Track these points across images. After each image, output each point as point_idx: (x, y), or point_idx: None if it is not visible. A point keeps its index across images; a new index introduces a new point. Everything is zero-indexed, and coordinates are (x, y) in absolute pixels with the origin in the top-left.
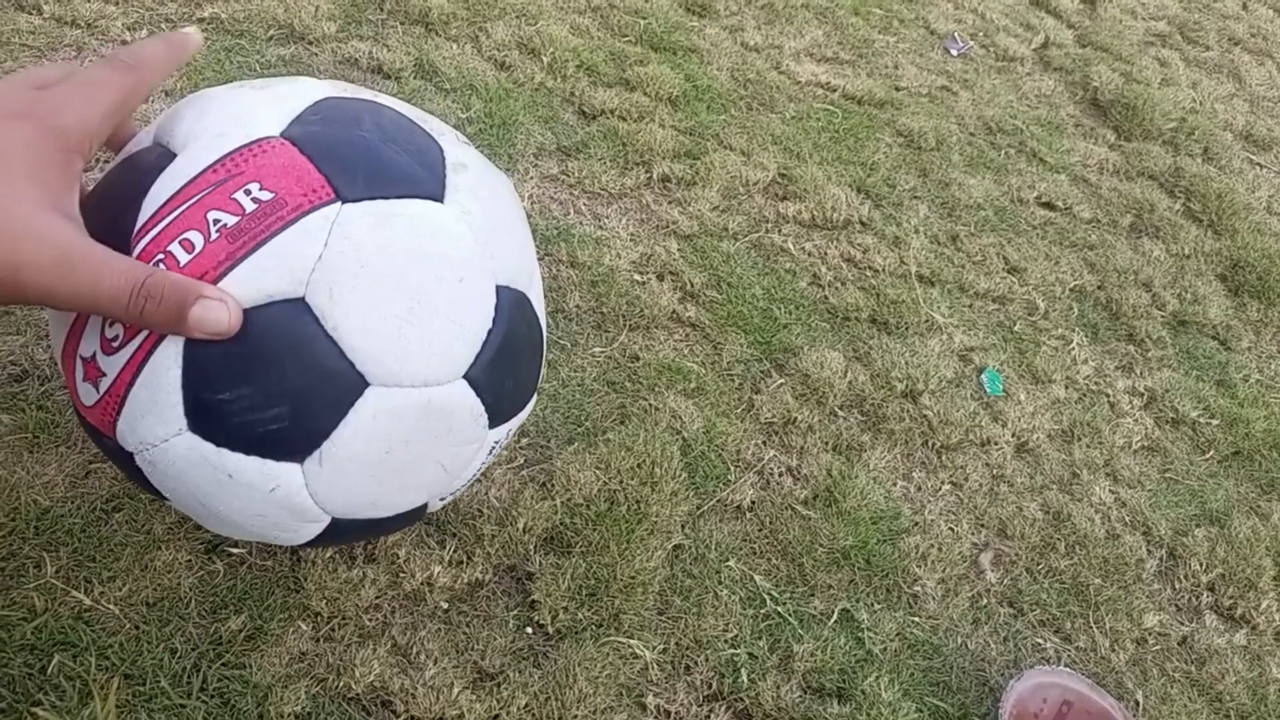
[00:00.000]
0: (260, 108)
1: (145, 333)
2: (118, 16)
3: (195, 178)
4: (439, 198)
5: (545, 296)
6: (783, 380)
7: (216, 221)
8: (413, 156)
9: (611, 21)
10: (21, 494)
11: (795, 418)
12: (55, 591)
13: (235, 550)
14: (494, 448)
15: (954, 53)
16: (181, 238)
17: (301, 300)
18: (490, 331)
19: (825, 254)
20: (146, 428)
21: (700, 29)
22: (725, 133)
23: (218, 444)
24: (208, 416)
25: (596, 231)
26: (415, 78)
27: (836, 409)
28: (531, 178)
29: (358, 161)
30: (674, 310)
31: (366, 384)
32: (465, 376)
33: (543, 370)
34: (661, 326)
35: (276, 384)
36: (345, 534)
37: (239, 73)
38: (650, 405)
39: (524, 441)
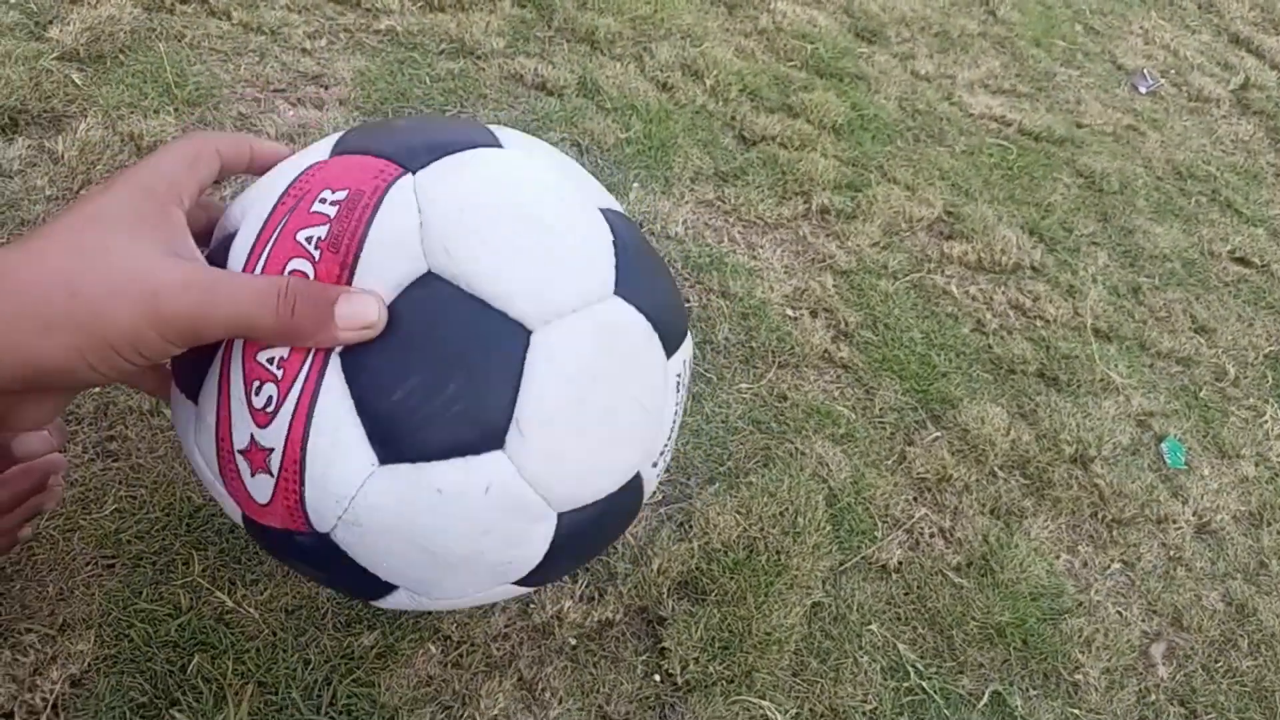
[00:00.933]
0: (302, 154)
1: (302, 377)
2: (299, 25)
3: (269, 217)
4: (498, 145)
5: (694, 327)
6: (939, 433)
7: (310, 239)
8: (458, 127)
9: (777, 45)
10: (177, 490)
11: (951, 475)
12: (200, 590)
13: None
14: (678, 384)
15: (1143, 90)
16: (289, 269)
17: (428, 273)
18: (615, 245)
19: (991, 299)
20: (337, 479)
21: (869, 55)
22: (890, 165)
23: (413, 460)
24: (392, 431)
25: (750, 262)
26: (578, 95)
27: (997, 469)
28: (687, 202)
29: (410, 139)
30: (826, 350)
31: (527, 329)
32: (617, 293)
33: (682, 301)
34: (812, 366)
35: (440, 361)
36: (575, 540)
37: (409, 85)
38: (796, 449)
39: (664, 478)
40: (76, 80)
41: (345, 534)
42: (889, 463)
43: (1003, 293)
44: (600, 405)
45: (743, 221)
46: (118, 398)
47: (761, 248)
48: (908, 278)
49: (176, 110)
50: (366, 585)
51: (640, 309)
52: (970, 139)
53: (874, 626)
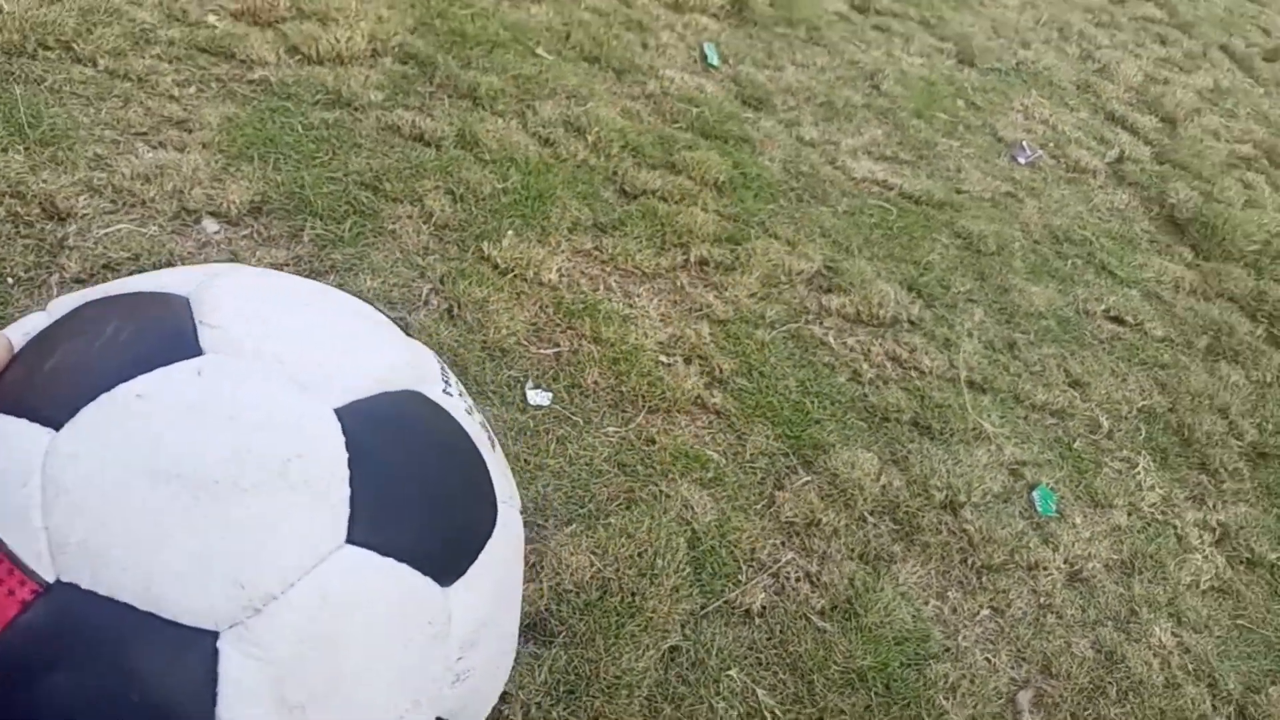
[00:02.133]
0: None
1: None
2: (169, 73)
3: None
4: (194, 353)
5: (563, 371)
6: (809, 478)
7: None
8: (145, 334)
9: (664, 108)
10: None
11: (820, 519)
12: None
13: None
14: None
15: (1022, 161)
16: None
17: (56, 583)
18: (351, 465)
19: (869, 351)
20: None
21: (755, 120)
22: (771, 221)
23: None
24: None
25: (625, 309)
26: (456, 146)
27: (866, 514)
28: (563, 250)
29: (63, 378)
30: (699, 395)
31: (211, 633)
32: (353, 540)
33: (482, 491)
34: (684, 411)
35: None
36: None
37: (279, 132)
38: (661, 492)
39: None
40: None
41: None
42: (758, 507)
43: (880, 344)
44: (335, 701)
45: (620, 271)
46: None
47: (638, 296)
48: (785, 327)
49: (27, 149)
50: None
51: (391, 550)
52: (852, 200)
53: (733, 672)
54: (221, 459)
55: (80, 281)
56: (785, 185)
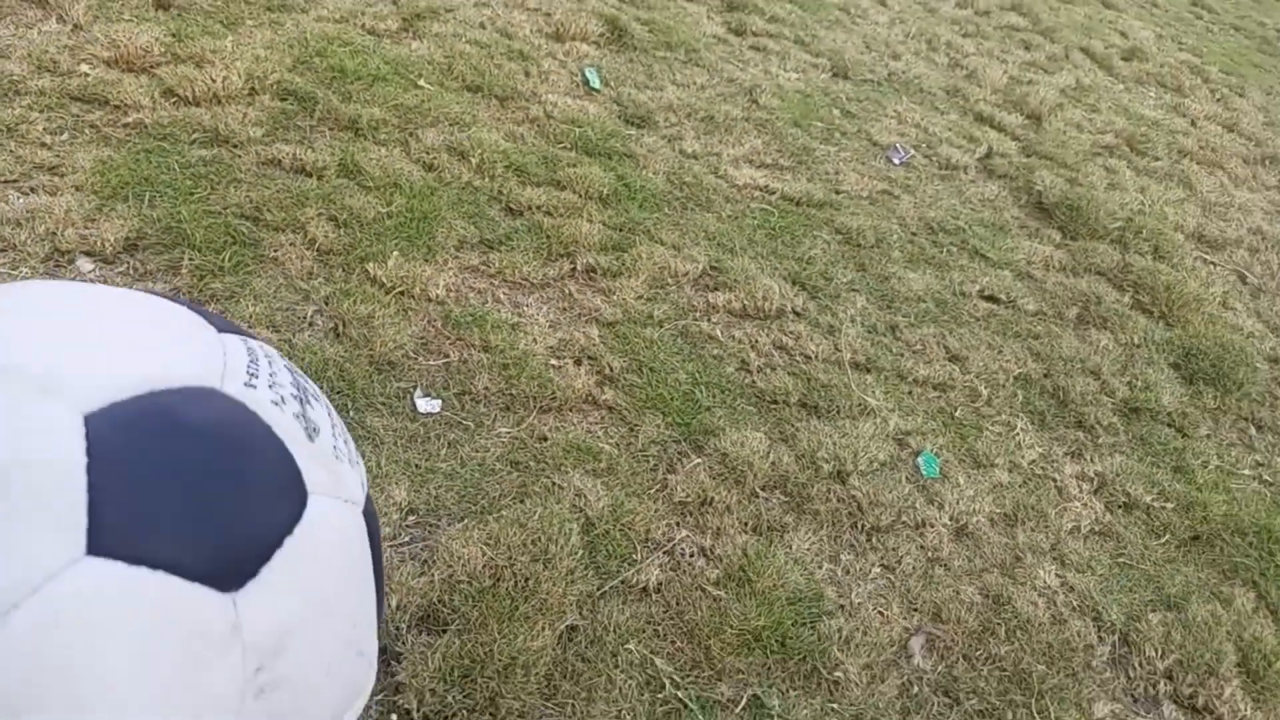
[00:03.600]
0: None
1: None
2: (40, 121)
3: None
4: None
5: (453, 379)
6: (700, 460)
7: None
8: None
9: (547, 130)
10: None
11: (712, 498)
12: None
13: None
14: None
15: (896, 161)
16: None
17: None
18: (89, 470)
19: (755, 341)
20: None
21: (638, 138)
22: (656, 229)
23: None
24: None
25: (514, 318)
26: (338, 176)
27: (757, 489)
28: (450, 267)
29: None
30: (590, 393)
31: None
32: (94, 551)
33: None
34: (575, 409)
35: None
36: None
37: (155, 171)
38: (553, 484)
39: (411, 519)
40: None
41: None
42: (650, 491)
43: (766, 335)
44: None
45: (508, 283)
46: None
47: (526, 306)
48: (673, 324)
49: None
50: None
51: (145, 559)
52: (735, 205)
53: (631, 645)
54: None
55: None
56: (669, 195)
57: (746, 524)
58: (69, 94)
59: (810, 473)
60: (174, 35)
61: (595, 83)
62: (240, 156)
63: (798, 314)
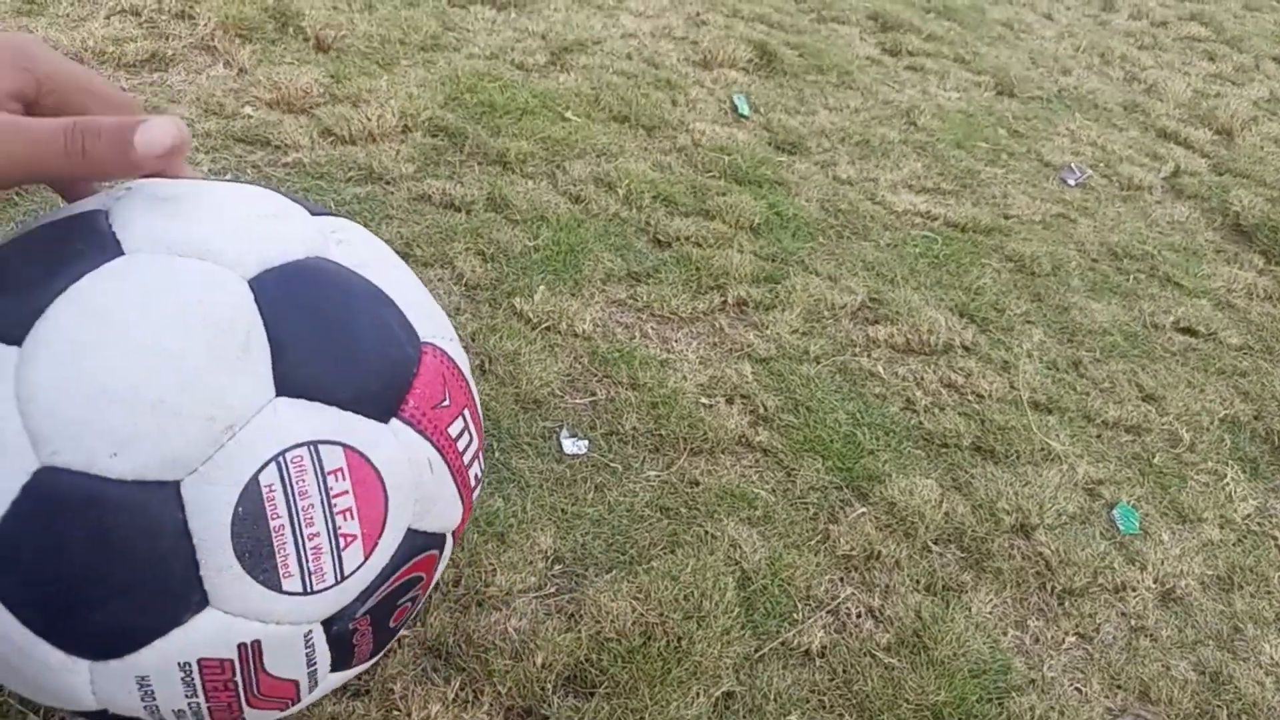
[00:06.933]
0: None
1: None
2: (205, 162)
3: None
4: (114, 253)
5: (599, 418)
6: (865, 509)
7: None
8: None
9: (695, 159)
10: None
11: (879, 552)
12: None
13: None
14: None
15: (1071, 183)
16: None
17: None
18: (267, 327)
19: (921, 378)
20: None
21: (789, 164)
22: (811, 259)
23: None
24: None
25: (662, 354)
26: (485, 210)
27: (930, 543)
28: (596, 301)
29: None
30: (743, 434)
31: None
32: (283, 393)
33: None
34: (728, 451)
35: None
36: None
37: None
38: (706, 533)
39: (557, 569)
40: None
41: None
42: (811, 543)
43: (933, 372)
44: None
45: (655, 317)
46: None
47: (675, 341)
48: (831, 360)
49: None
50: None
51: (322, 397)
52: (894, 233)
53: (794, 716)
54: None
55: None
56: (824, 223)
57: (919, 582)
58: (233, 135)
59: (989, 525)
60: (332, 76)
61: (744, 109)
62: (393, 193)
63: (967, 349)
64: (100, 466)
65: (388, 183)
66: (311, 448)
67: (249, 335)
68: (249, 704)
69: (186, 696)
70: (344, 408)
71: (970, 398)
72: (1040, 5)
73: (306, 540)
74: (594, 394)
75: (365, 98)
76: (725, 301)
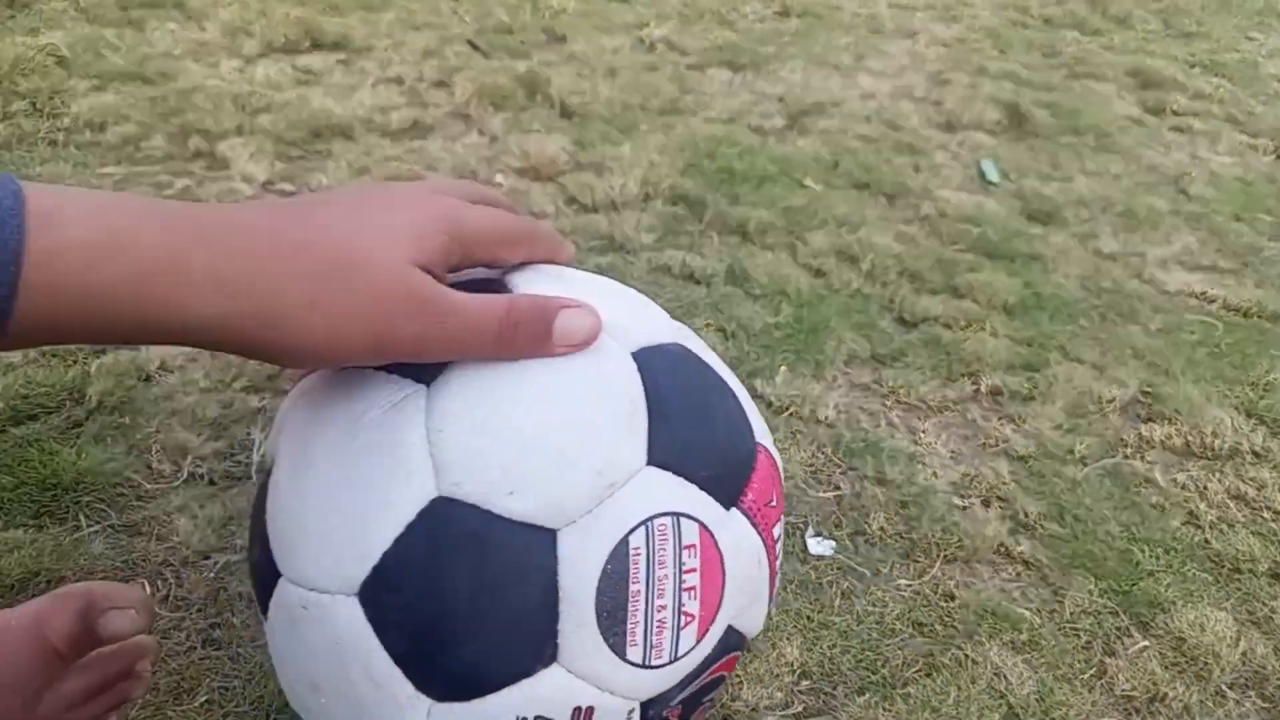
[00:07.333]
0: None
1: None
2: None
3: None
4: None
5: (845, 516)
6: (1147, 642)
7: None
8: None
9: (941, 230)
10: (270, 682)
11: (1165, 693)
12: None
13: None
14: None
15: None
16: None
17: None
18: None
19: (1205, 488)
20: None
21: (1044, 236)
22: (1072, 345)
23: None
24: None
25: (910, 447)
26: (725, 283)
27: (1224, 687)
28: (839, 385)
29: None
30: (1002, 543)
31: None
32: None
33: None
34: (986, 561)
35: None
36: None
37: None
38: (966, 656)
39: (804, 684)
40: None
41: None
42: (1085, 677)
43: (1219, 480)
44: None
45: (902, 404)
46: (230, 583)
47: (924, 432)
48: (1099, 463)
49: None
50: None
51: (683, 473)
52: (1167, 317)
53: None
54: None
55: None
56: (1085, 304)
57: None
58: None
59: None
60: (576, 143)
61: (992, 175)
62: (633, 263)
63: (1258, 455)
64: (496, 504)
65: (629, 252)
66: (675, 519)
67: (634, 404)
68: None
69: None
70: (700, 487)
71: (1265, 514)
72: None
73: (655, 612)
74: (838, 488)
75: (608, 165)
76: (978, 390)
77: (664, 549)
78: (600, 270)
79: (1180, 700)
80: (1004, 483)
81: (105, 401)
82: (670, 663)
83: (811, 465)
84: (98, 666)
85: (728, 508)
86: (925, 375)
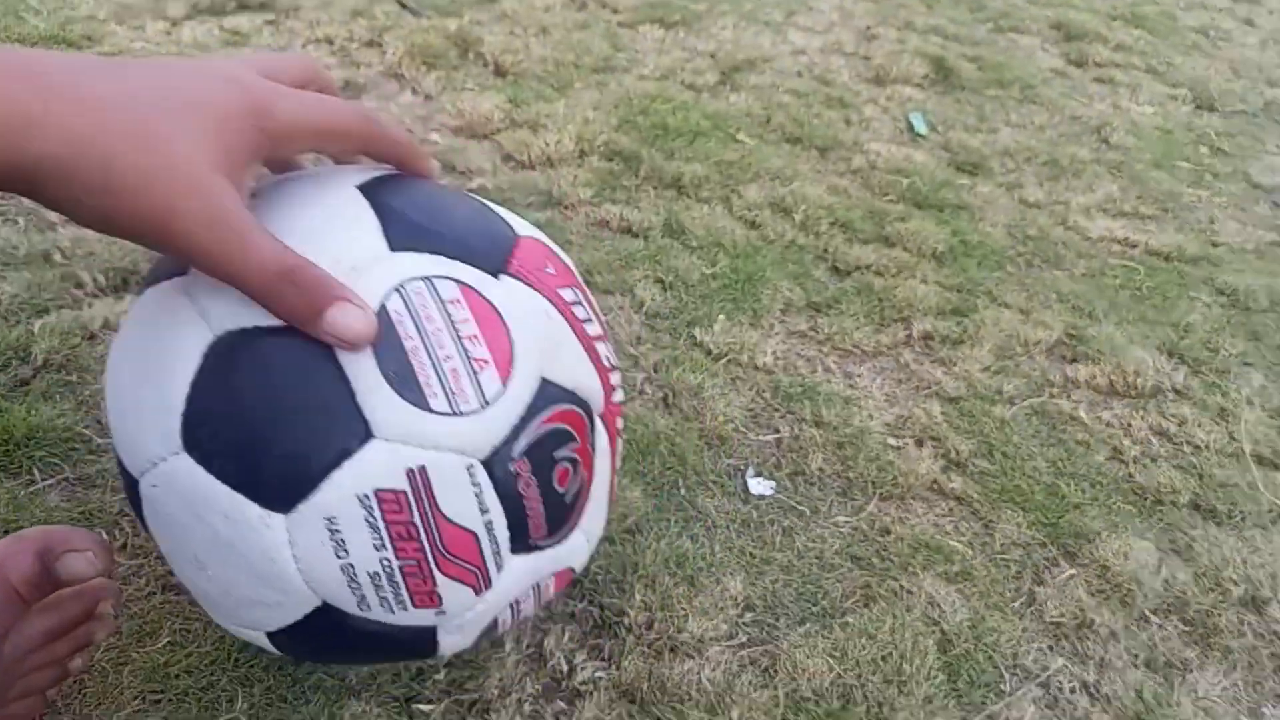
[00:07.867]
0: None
1: None
2: None
3: None
4: None
5: (785, 457)
6: (1074, 571)
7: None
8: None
9: (872, 182)
10: None
11: (1092, 620)
12: None
13: (426, 708)
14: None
15: None
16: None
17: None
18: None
19: (1129, 425)
20: None
21: (972, 186)
22: (999, 290)
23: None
24: None
25: (847, 390)
26: (663, 236)
27: (1148, 613)
28: (776, 333)
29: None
30: (935, 480)
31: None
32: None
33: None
34: (919, 498)
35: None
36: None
37: None
38: (902, 587)
39: (748, 617)
40: None
41: None
42: (1015, 605)
43: (1142, 418)
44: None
45: (837, 350)
46: None
47: (859, 376)
48: (1027, 403)
49: None
50: None
51: (430, 250)
52: (1090, 262)
53: None
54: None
55: None
56: (1012, 251)
57: (1138, 657)
58: None
59: (1215, 596)
60: (511, 101)
61: (921, 128)
62: (572, 218)
63: (1179, 393)
64: (261, 320)
65: (566, 207)
66: (428, 281)
67: (360, 209)
68: (439, 566)
69: (375, 547)
70: (453, 259)
71: (1186, 449)
72: (1239, 10)
73: (442, 362)
74: (778, 431)
75: (543, 122)
76: (910, 335)
77: (425, 305)
78: (539, 225)
79: (1106, 626)
80: (936, 423)
81: (51, 360)
82: (482, 408)
83: (751, 410)
84: (59, 608)
85: (495, 275)
86: (859, 322)
